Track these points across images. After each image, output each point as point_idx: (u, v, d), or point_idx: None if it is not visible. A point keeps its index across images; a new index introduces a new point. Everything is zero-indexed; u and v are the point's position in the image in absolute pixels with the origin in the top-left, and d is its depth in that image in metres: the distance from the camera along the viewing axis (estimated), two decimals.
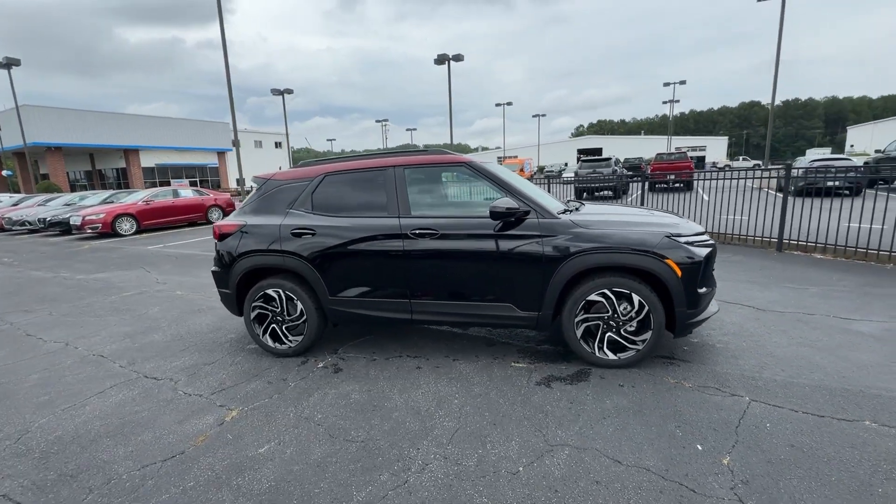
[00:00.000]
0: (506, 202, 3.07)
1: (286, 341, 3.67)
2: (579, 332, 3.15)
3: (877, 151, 35.96)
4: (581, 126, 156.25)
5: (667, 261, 2.93)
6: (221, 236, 3.75)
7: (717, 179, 7.50)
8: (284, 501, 2.02)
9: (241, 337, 4.18)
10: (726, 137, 78.00)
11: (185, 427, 2.69)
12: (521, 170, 37.38)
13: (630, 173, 16.99)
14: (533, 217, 3.14)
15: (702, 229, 3.32)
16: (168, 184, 34.64)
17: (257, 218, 3.67)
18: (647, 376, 2.99)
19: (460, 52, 35.20)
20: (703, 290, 3.04)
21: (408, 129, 79.81)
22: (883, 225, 5.99)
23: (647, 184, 9.48)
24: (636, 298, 2.99)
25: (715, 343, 3.47)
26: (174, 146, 39.67)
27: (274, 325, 3.68)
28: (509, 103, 55.89)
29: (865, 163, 14.40)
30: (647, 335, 3.04)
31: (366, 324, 4.10)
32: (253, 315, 3.70)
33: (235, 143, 15.51)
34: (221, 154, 44.13)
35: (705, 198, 9.47)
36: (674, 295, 2.95)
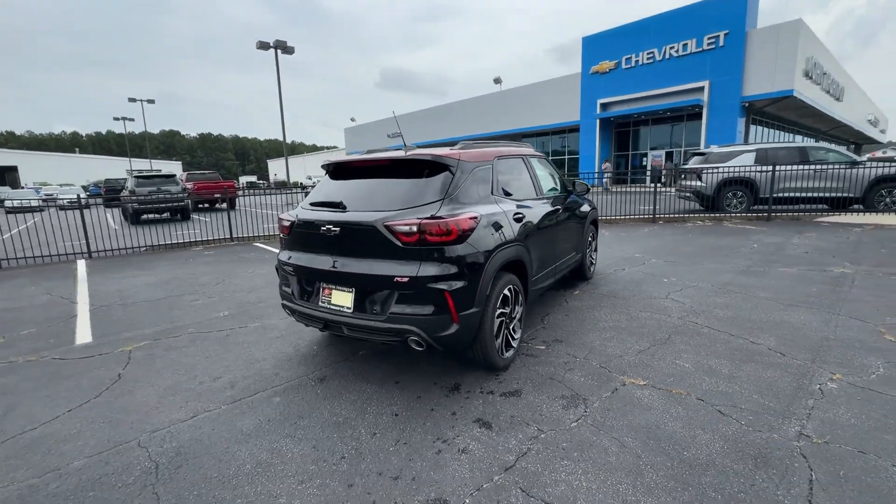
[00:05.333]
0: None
1: (513, 344, 3.19)
2: (588, 262, 5.27)
3: (308, 177, 51.45)
4: None
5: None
6: (461, 236, 2.59)
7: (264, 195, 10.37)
8: None
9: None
10: (180, 161, 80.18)
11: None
12: None
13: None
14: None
15: None
16: None
17: (475, 207, 2.86)
18: (625, 278, 5.65)
19: None
20: None
21: None
22: None
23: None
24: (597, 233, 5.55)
25: None
26: None
27: (506, 331, 3.08)
28: None
29: None
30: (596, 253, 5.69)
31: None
32: (497, 326, 2.91)
33: None
34: None
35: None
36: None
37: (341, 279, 2.81)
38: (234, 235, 9.86)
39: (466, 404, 2.69)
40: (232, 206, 21.04)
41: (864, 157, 12.94)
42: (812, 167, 10.24)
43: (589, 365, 3.14)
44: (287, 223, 3.14)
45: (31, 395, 2.99)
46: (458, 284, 2.59)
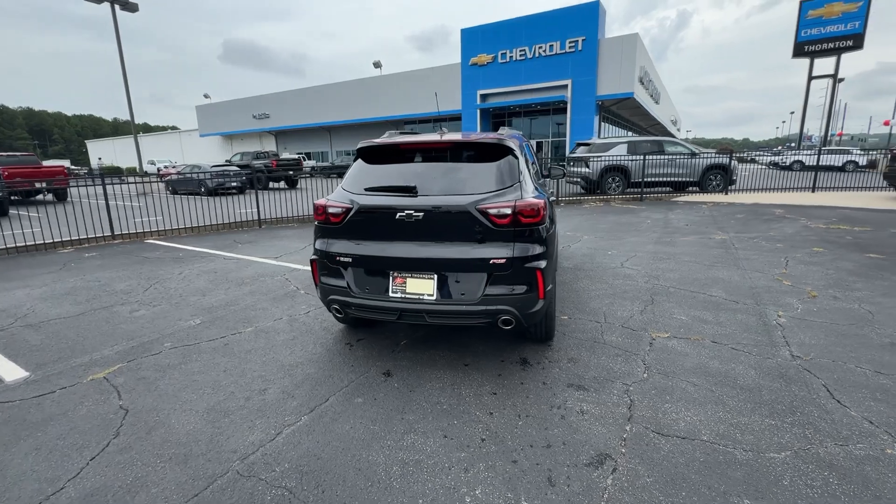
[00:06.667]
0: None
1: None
2: None
3: (150, 162, 43.07)
4: None
5: None
6: (544, 217, 2.75)
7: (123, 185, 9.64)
8: None
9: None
10: None
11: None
12: None
13: None
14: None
15: None
16: None
17: (535, 190, 3.01)
18: (577, 253, 6.27)
19: None
20: None
21: None
22: None
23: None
24: None
25: None
26: None
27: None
28: None
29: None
30: None
31: None
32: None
33: None
34: None
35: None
36: None
37: (422, 265, 2.71)
38: (117, 232, 8.06)
39: (547, 374, 2.89)
40: (62, 197, 16.93)
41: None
42: (668, 157, 12.70)
43: (614, 327, 3.61)
44: (339, 210, 2.86)
45: (7, 451, 2.22)
46: (544, 262, 2.74)
